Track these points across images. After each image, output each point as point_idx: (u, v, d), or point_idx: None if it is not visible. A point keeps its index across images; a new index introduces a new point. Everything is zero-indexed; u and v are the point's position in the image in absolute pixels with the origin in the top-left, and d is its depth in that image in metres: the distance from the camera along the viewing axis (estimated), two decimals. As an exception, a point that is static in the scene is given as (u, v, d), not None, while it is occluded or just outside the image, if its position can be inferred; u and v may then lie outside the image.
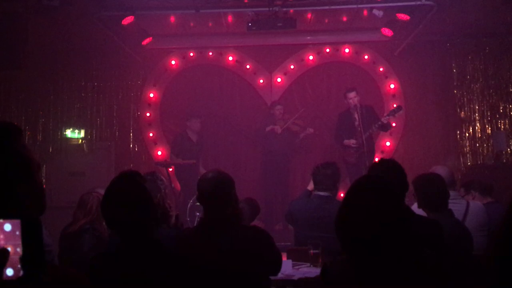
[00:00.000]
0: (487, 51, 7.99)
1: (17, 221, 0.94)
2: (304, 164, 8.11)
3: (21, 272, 0.93)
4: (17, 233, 0.94)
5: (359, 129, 6.63)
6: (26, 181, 1.08)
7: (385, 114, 6.95)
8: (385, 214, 1.88)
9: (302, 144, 7.78)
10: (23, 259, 0.93)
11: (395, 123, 7.77)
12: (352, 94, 6.92)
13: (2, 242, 0.94)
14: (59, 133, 8.07)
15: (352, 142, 6.86)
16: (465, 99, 8.09)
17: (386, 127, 6.98)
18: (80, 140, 8.11)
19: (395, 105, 7.31)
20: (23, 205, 1.04)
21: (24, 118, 7.84)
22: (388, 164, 3.02)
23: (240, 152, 8.37)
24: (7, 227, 0.94)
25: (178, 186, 7.64)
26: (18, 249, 0.93)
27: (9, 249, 0.92)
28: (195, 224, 6.04)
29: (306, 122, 8.03)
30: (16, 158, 1.06)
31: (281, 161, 7.56)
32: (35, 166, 1.13)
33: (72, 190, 6.06)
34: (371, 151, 6.94)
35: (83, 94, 8.22)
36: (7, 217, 0.94)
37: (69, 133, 8.08)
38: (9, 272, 0.92)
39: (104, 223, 3.84)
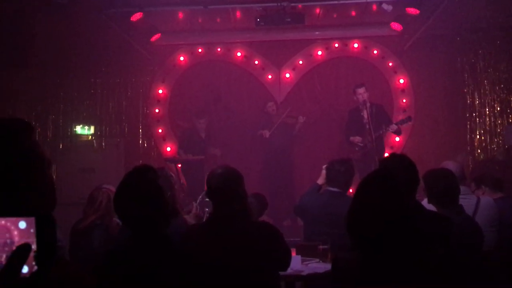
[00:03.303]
0: (497, 45, 7.90)
1: (32, 219, 0.95)
2: (311, 159, 8.09)
3: (35, 269, 0.94)
4: (32, 230, 0.95)
5: (367, 126, 6.59)
6: (38, 178, 1.09)
7: (394, 123, 6.91)
8: (389, 212, 1.89)
9: (301, 134, 7.81)
10: (38, 256, 0.94)
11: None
12: (361, 90, 6.89)
13: (17, 239, 0.95)
14: (69, 130, 8.13)
15: (357, 139, 6.84)
16: (476, 93, 8.02)
17: (396, 132, 7.05)
18: (90, 137, 8.16)
19: (403, 117, 7.16)
20: (35, 202, 1.05)
21: (34, 115, 7.90)
22: (400, 159, 2.99)
23: (248, 148, 8.36)
24: (22, 224, 0.95)
25: (186, 182, 7.66)
26: (33, 246, 0.94)
27: (33, 246, 0.94)
28: (204, 220, 6.07)
29: (315, 117, 8.03)
30: (28, 155, 1.07)
31: (282, 156, 7.63)
32: (47, 163, 1.14)
33: (82, 186, 6.09)
34: (381, 148, 6.89)
35: (92, 91, 8.27)
36: (20, 214, 0.96)
37: (78, 129, 8.13)
38: (24, 269, 0.93)
39: (114, 219, 3.88)
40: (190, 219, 3.57)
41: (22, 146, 1.07)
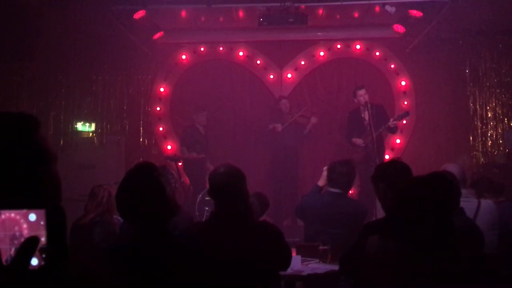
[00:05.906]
0: (500, 48, 7.90)
1: (42, 211, 0.95)
2: (313, 159, 8.10)
3: (44, 262, 0.94)
4: (42, 223, 0.95)
5: (368, 128, 6.60)
6: (46, 172, 1.10)
7: (392, 119, 6.92)
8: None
9: (310, 134, 7.80)
10: (47, 249, 0.94)
11: (406, 120, 7.73)
12: (361, 92, 6.90)
13: (26, 231, 0.95)
14: (70, 126, 8.10)
15: (359, 141, 6.85)
16: (478, 97, 8.02)
17: (393, 130, 7.05)
18: (91, 134, 8.15)
19: (402, 112, 7.27)
20: (43, 195, 1.06)
21: (35, 111, 7.87)
22: (395, 162, 3.01)
23: (249, 147, 8.36)
24: (32, 217, 0.95)
25: (187, 180, 7.66)
26: (43, 239, 0.94)
27: (42, 238, 0.94)
28: (204, 219, 6.08)
29: (316, 117, 8.04)
30: (35, 149, 1.08)
31: (290, 155, 7.60)
32: (53, 157, 1.14)
33: (83, 183, 6.08)
34: (381, 149, 6.90)
35: (94, 88, 8.25)
36: (30, 207, 0.96)
37: (79, 126, 8.11)
38: (34, 261, 0.93)
39: (114, 216, 3.89)
40: None
41: (29, 140, 1.08)
